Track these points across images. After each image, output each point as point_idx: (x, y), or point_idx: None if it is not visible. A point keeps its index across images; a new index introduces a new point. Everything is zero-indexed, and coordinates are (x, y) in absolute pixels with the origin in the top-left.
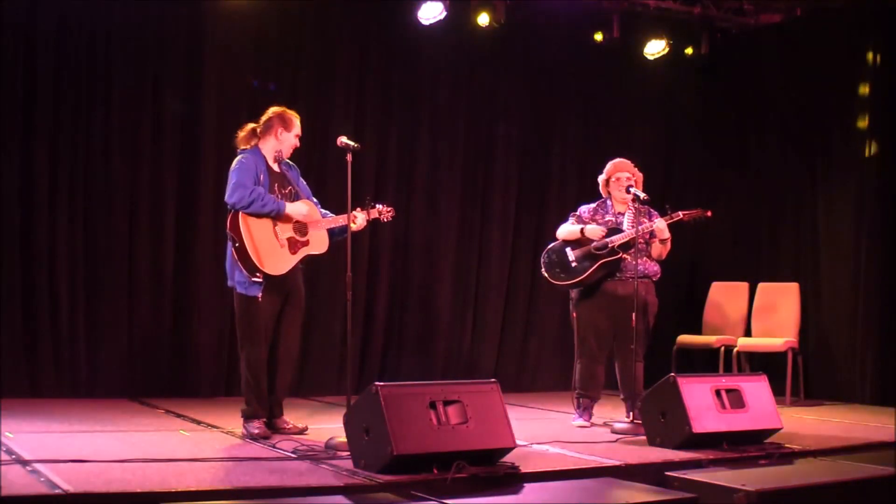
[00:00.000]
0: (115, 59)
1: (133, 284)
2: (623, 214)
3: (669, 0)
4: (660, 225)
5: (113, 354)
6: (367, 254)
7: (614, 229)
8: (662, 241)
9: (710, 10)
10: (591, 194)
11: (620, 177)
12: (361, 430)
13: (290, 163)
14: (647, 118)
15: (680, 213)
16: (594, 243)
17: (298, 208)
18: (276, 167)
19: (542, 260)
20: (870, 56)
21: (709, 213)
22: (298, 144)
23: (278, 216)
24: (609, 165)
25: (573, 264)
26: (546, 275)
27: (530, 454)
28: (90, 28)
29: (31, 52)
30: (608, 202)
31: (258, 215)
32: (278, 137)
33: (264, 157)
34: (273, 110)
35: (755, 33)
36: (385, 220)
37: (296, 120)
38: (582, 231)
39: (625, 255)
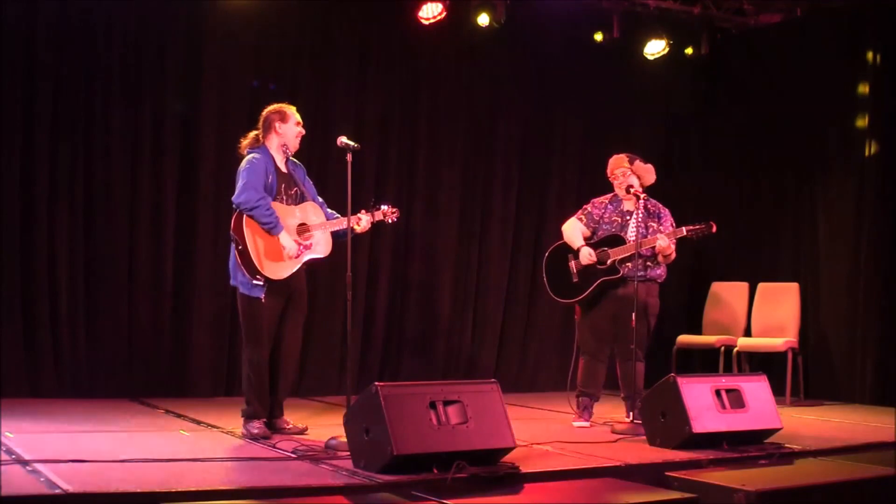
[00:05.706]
0: (114, 59)
1: (133, 284)
2: (631, 214)
3: (669, 0)
4: (662, 243)
5: (113, 354)
6: (368, 254)
7: (616, 237)
8: (665, 257)
9: (710, 10)
10: (591, 194)
11: (610, 177)
12: (361, 430)
13: (297, 162)
14: (647, 118)
15: (683, 229)
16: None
17: (288, 243)
18: (283, 167)
19: (543, 264)
20: (869, 56)
21: (714, 229)
22: (303, 132)
23: (270, 233)
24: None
25: (574, 279)
26: (548, 289)
27: (530, 454)
28: (90, 28)
29: (31, 51)
30: (618, 197)
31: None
32: (278, 131)
33: (272, 157)
34: (267, 109)
35: (755, 33)
36: (390, 221)
37: (290, 110)
38: (578, 249)
39: (626, 265)
